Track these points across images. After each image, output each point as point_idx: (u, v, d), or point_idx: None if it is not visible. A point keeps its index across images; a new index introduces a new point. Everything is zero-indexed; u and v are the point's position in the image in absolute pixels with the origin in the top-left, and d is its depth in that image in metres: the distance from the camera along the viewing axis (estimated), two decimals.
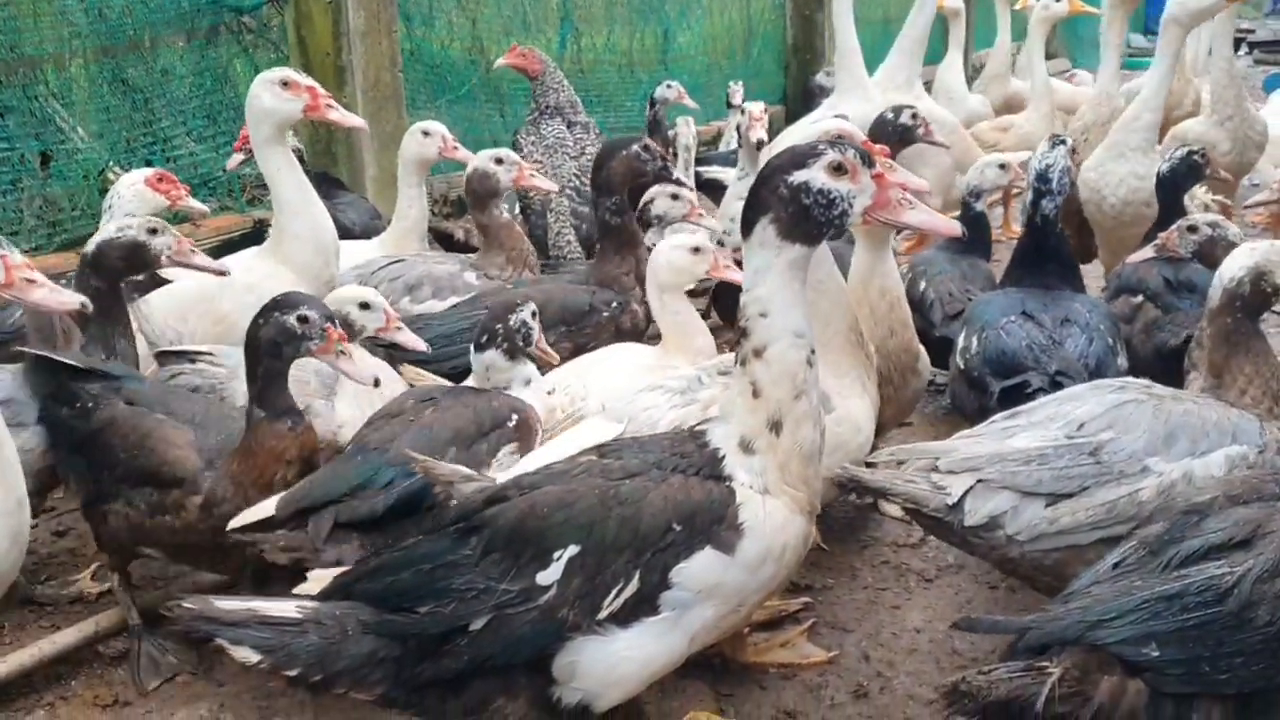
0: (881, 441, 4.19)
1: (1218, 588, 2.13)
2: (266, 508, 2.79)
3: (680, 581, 2.19)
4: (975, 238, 4.71)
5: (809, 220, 2.22)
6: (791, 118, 9.19)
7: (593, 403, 3.44)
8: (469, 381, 3.35)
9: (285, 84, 3.83)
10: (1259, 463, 2.76)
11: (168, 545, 3.04)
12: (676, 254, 3.59)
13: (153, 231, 3.36)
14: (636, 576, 2.18)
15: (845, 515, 3.86)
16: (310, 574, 2.52)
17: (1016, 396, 3.35)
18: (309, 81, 3.88)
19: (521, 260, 4.37)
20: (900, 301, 3.70)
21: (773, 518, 2.26)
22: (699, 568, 2.20)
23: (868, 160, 2.27)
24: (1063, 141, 3.95)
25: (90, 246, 3.36)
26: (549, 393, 3.41)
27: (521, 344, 3.26)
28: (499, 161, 4.42)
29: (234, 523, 2.81)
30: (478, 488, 2.63)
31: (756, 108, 4.88)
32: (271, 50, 6.18)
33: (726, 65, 9.55)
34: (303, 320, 2.89)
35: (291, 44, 5.99)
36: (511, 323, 3.24)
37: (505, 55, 5.83)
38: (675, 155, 6.50)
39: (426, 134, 4.66)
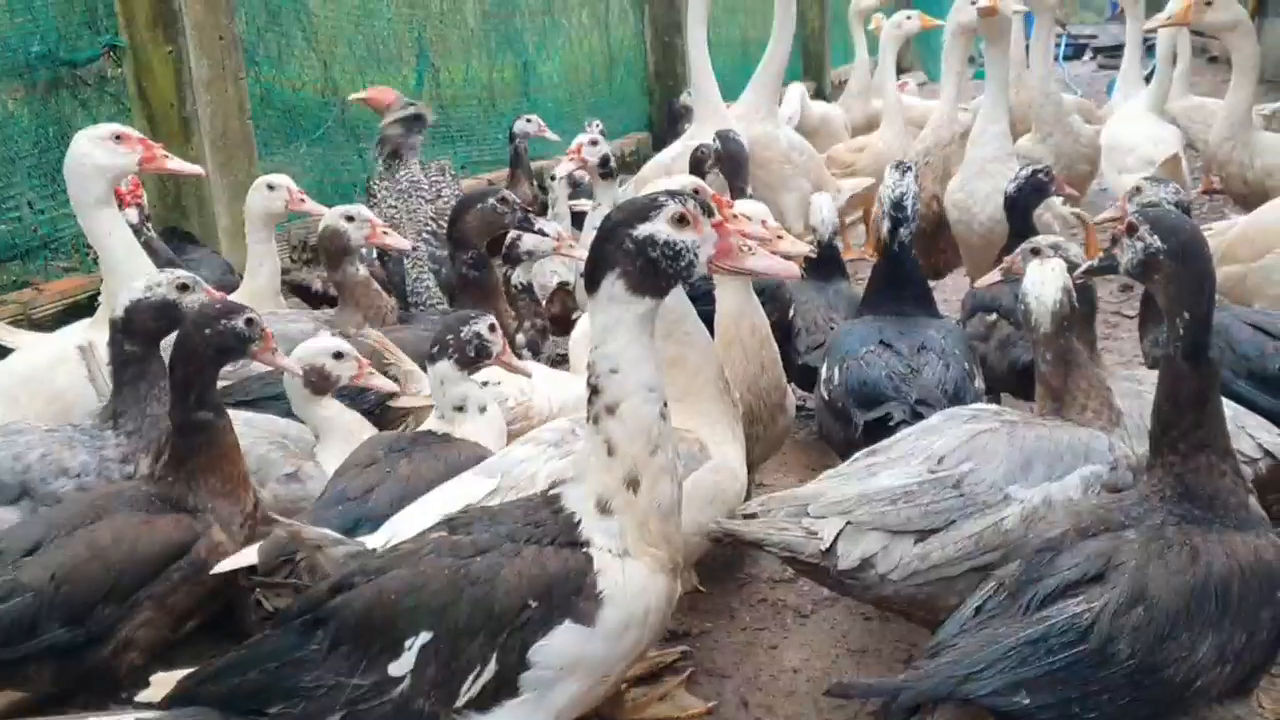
0: (756, 474, 4.20)
1: (1079, 626, 2.16)
2: (249, 555, 2.67)
3: (540, 660, 2.12)
4: (833, 266, 4.79)
5: (658, 273, 2.19)
6: (658, 143, 9.25)
7: (539, 401, 3.65)
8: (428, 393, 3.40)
9: (118, 138, 3.70)
10: (1112, 480, 2.83)
11: (213, 603, 2.85)
12: None
13: (183, 288, 3.18)
14: (494, 659, 2.10)
15: (723, 553, 3.82)
16: (153, 678, 2.37)
17: (880, 427, 3.39)
18: (139, 134, 3.79)
19: (379, 318, 4.25)
20: (769, 339, 3.70)
21: (633, 581, 2.21)
22: (559, 644, 2.13)
23: (708, 210, 2.26)
24: (909, 167, 4.01)
25: (119, 310, 3.17)
26: (502, 403, 3.49)
27: (474, 355, 3.25)
28: (350, 219, 4.28)
29: (217, 569, 2.69)
30: (347, 552, 2.53)
31: (583, 138, 4.86)
32: (113, 104, 5.92)
33: (590, 94, 9.55)
34: (250, 323, 2.92)
35: (132, 96, 5.74)
36: (463, 334, 3.24)
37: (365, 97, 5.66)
38: (547, 191, 6.46)
39: (272, 188, 4.51)
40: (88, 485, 3.07)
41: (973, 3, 5.64)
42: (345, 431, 3.42)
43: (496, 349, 3.32)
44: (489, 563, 2.16)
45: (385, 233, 4.32)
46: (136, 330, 3.16)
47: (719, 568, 3.76)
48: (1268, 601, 2.20)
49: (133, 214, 4.59)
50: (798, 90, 9.01)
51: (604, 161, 4.90)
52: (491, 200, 4.13)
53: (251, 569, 2.64)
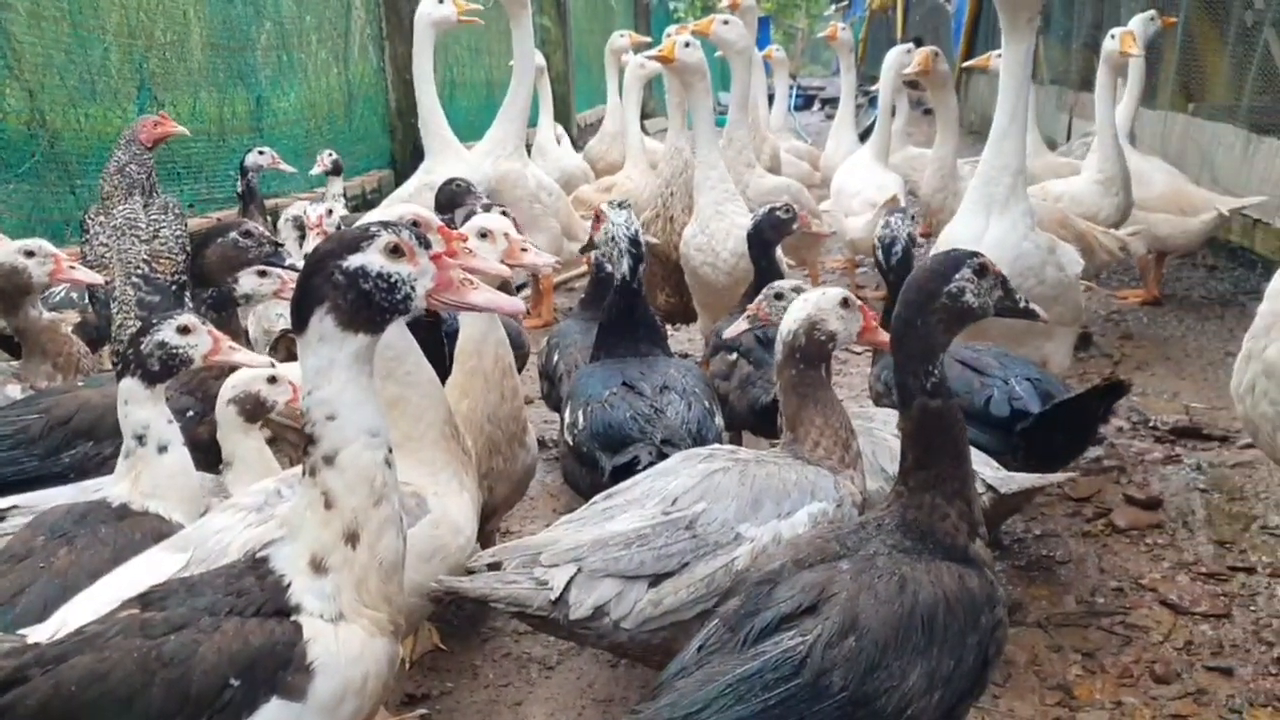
0: (502, 520, 4.09)
1: (793, 660, 2.14)
2: None
3: None
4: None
5: (371, 306, 2.07)
6: (401, 180, 9.06)
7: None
8: None
9: None
10: (838, 517, 2.89)
11: None
12: None
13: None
14: None
15: (466, 610, 3.69)
16: None
17: (628, 470, 3.35)
18: None
19: (71, 365, 3.85)
20: (511, 369, 3.61)
21: (348, 648, 2.06)
22: None
23: (424, 242, 2.17)
24: (628, 203, 4.04)
25: None
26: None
27: (161, 368, 2.89)
28: (29, 254, 3.88)
29: None
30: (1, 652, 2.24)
31: (319, 209, 4.81)
32: None
33: (328, 130, 9.25)
34: None
35: None
36: (144, 346, 2.88)
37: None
38: (278, 229, 6.17)
39: None
40: None
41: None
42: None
43: (198, 350, 2.96)
44: (184, 640, 1.96)
45: (72, 267, 3.93)
46: None
47: (461, 622, 3.63)
48: (973, 628, 2.26)
49: None
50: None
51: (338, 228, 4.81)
52: (234, 234, 3.80)
53: None
